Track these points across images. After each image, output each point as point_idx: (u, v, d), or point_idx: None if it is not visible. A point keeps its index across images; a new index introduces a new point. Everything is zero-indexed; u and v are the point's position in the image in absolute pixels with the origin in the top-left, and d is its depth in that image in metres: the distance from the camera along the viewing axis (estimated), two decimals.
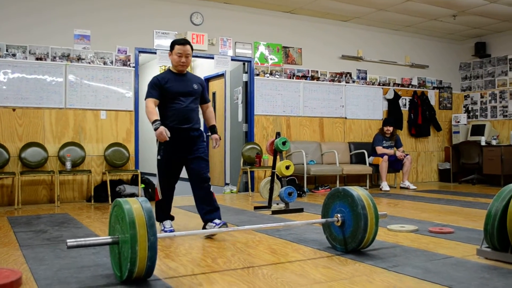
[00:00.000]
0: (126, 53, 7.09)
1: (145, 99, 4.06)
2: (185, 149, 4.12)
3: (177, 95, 4.09)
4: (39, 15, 6.58)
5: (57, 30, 6.68)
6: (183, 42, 4.11)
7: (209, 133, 4.38)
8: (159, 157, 4.13)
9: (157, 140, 4.01)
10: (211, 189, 4.18)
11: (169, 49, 4.19)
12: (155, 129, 3.89)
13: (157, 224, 3.97)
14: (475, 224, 4.49)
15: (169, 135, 3.90)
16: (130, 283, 2.61)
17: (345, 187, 3.41)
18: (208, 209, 4.12)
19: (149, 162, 12.23)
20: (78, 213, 5.59)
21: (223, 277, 2.79)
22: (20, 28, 6.47)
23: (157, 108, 4.12)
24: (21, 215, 5.45)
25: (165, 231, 4.18)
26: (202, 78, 4.49)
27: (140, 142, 7.38)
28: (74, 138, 6.73)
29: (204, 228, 4.13)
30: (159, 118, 4.01)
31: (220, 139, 4.40)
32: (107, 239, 2.71)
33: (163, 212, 4.28)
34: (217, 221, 4.06)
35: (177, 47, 4.09)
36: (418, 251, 3.41)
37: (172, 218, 4.36)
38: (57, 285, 2.62)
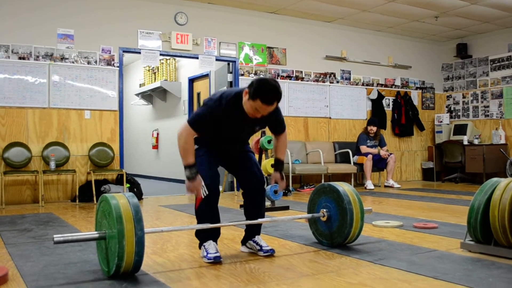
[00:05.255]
0: (110, 53, 7.05)
1: (187, 121, 2.94)
2: (228, 159, 3.23)
3: (231, 137, 3.12)
4: (22, 15, 6.51)
5: (40, 29, 6.61)
6: (270, 99, 2.74)
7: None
8: (197, 146, 3.04)
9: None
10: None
11: (247, 87, 2.81)
12: (188, 178, 2.88)
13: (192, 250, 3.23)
14: (459, 220, 4.56)
15: (206, 192, 2.92)
16: (118, 278, 2.61)
17: (331, 183, 3.43)
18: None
19: (134, 162, 12.20)
20: (63, 212, 5.54)
21: (210, 271, 2.80)
22: (3, 28, 6.40)
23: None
24: (5, 214, 5.39)
25: (209, 259, 2.95)
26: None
27: (124, 142, 7.34)
28: (58, 137, 6.67)
29: (244, 244, 3.33)
30: (195, 163, 2.90)
31: (284, 181, 3.24)
32: (94, 234, 2.70)
33: (206, 229, 3.03)
34: (263, 243, 3.20)
35: (259, 103, 2.74)
36: (403, 245, 3.45)
37: (215, 238, 3.11)
38: (43, 281, 2.61)
